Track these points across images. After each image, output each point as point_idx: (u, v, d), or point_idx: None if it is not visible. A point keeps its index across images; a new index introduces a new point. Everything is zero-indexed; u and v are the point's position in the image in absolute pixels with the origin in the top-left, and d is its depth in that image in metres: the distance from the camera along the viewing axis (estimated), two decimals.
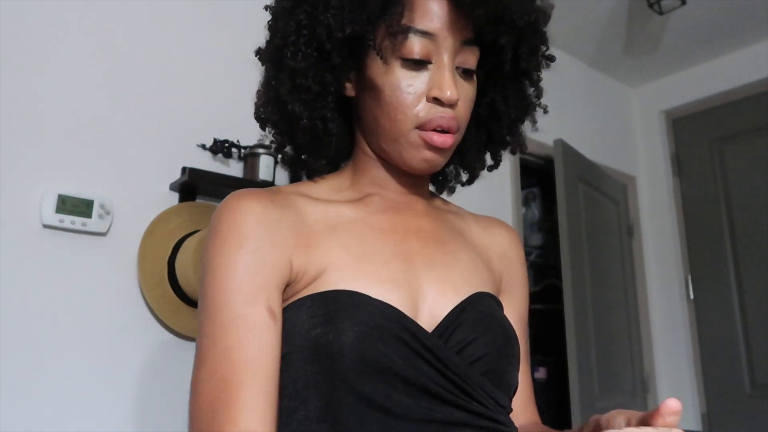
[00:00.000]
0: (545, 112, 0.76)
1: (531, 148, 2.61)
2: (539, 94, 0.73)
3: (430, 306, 0.62)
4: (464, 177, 0.81)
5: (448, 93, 0.61)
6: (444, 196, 0.83)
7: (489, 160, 0.80)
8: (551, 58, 0.72)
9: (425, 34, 0.62)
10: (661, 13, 2.49)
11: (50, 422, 1.28)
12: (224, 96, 1.69)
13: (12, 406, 1.24)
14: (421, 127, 0.63)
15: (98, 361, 1.37)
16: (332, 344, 0.55)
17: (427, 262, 0.65)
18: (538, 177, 3.35)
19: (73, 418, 1.31)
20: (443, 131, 0.64)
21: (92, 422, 1.33)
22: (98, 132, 1.46)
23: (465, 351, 0.60)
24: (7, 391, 1.24)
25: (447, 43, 0.63)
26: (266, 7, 0.70)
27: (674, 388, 2.92)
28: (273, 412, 0.55)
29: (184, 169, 1.52)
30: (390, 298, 0.60)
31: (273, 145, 0.75)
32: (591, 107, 3.06)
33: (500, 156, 0.79)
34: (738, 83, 2.91)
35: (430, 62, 0.63)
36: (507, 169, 2.53)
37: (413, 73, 0.63)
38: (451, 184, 0.82)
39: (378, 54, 0.63)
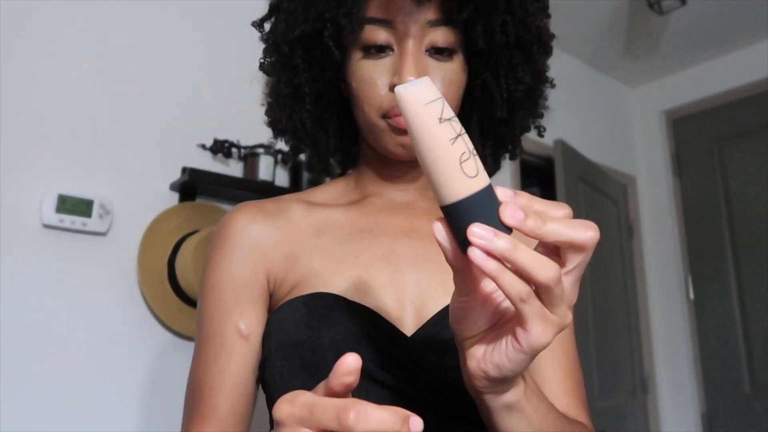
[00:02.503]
0: (545, 99, 0.71)
1: (531, 148, 2.61)
2: (532, 70, 0.67)
3: (417, 308, 0.61)
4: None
5: (408, 79, 0.59)
6: None
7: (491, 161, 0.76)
8: (543, 30, 0.66)
9: (382, 21, 0.60)
10: (661, 13, 2.49)
11: (50, 422, 1.28)
12: (224, 96, 1.69)
13: (12, 406, 1.24)
14: (386, 115, 0.62)
15: (98, 361, 1.37)
16: (306, 346, 0.57)
17: (416, 264, 0.63)
18: (538, 177, 3.35)
19: (73, 417, 1.31)
20: None
21: (92, 422, 1.33)
22: (98, 132, 1.46)
23: (450, 354, 0.57)
24: (7, 390, 1.24)
25: (407, 27, 0.60)
26: (253, 24, 0.71)
27: (674, 388, 2.92)
28: (235, 416, 0.61)
29: (184, 169, 1.52)
30: (369, 301, 0.59)
31: (285, 148, 0.77)
32: (591, 107, 3.06)
33: (512, 142, 0.74)
34: (738, 83, 2.91)
35: (391, 49, 0.61)
36: (507, 169, 2.53)
37: (375, 63, 0.62)
38: None
39: (336, 50, 0.61)
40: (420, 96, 0.35)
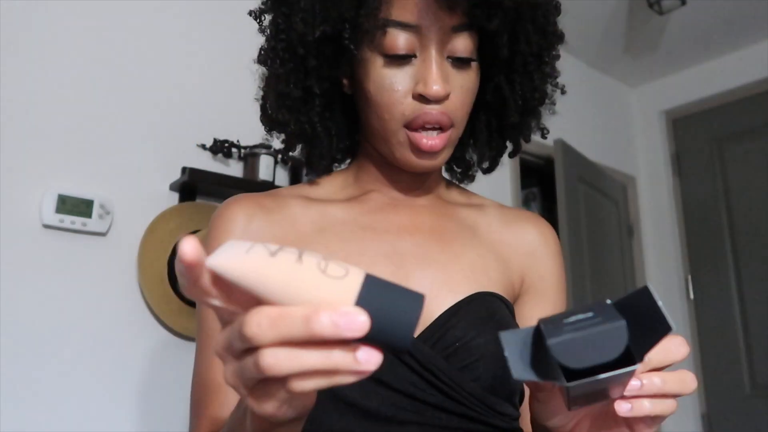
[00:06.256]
0: (553, 103, 0.71)
1: (531, 148, 2.61)
2: (545, 76, 0.67)
3: None
4: (483, 163, 0.75)
5: (434, 88, 0.57)
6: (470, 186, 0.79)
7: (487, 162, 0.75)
8: (558, 37, 0.66)
9: (406, 26, 0.58)
10: (661, 13, 2.49)
11: (50, 422, 1.28)
12: (224, 96, 1.69)
13: (12, 406, 1.24)
14: (408, 125, 0.60)
15: (98, 360, 1.37)
16: None
17: (420, 262, 0.62)
18: (538, 177, 3.35)
19: (73, 417, 1.31)
20: (433, 128, 0.60)
21: (92, 422, 1.33)
22: (98, 132, 1.46)
23: (456, 355, 0.57)
24: (7, 390, 1.24)
25: (431, 33, 0.58)
26: (250, 13, 0.68)
27: None
28: None
29: (184, 169, 1.52)
30: None
31: (282, 146, 0.72)
32: (591, 107, 3.06)
33: (515, 142, 0.73)
34: (738, 83, 2.91)
35: (414, 56, 0.59)
36: (507, 169, 2.53)
37: (397, 70, 0.59)
38: (469, 172, 0.77)
39: (356, 52, 0.59)
40: (234, 254, 0.31)
